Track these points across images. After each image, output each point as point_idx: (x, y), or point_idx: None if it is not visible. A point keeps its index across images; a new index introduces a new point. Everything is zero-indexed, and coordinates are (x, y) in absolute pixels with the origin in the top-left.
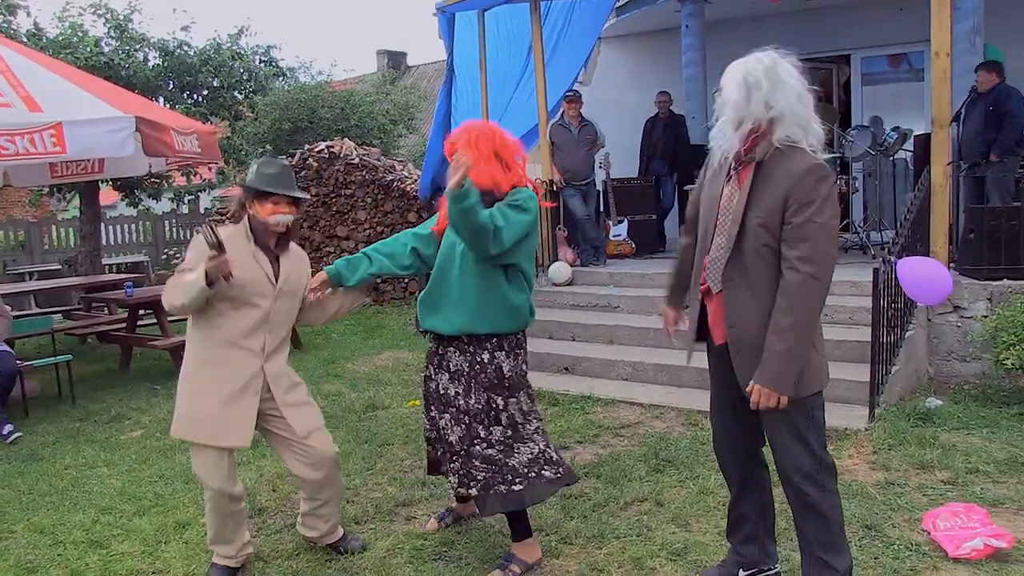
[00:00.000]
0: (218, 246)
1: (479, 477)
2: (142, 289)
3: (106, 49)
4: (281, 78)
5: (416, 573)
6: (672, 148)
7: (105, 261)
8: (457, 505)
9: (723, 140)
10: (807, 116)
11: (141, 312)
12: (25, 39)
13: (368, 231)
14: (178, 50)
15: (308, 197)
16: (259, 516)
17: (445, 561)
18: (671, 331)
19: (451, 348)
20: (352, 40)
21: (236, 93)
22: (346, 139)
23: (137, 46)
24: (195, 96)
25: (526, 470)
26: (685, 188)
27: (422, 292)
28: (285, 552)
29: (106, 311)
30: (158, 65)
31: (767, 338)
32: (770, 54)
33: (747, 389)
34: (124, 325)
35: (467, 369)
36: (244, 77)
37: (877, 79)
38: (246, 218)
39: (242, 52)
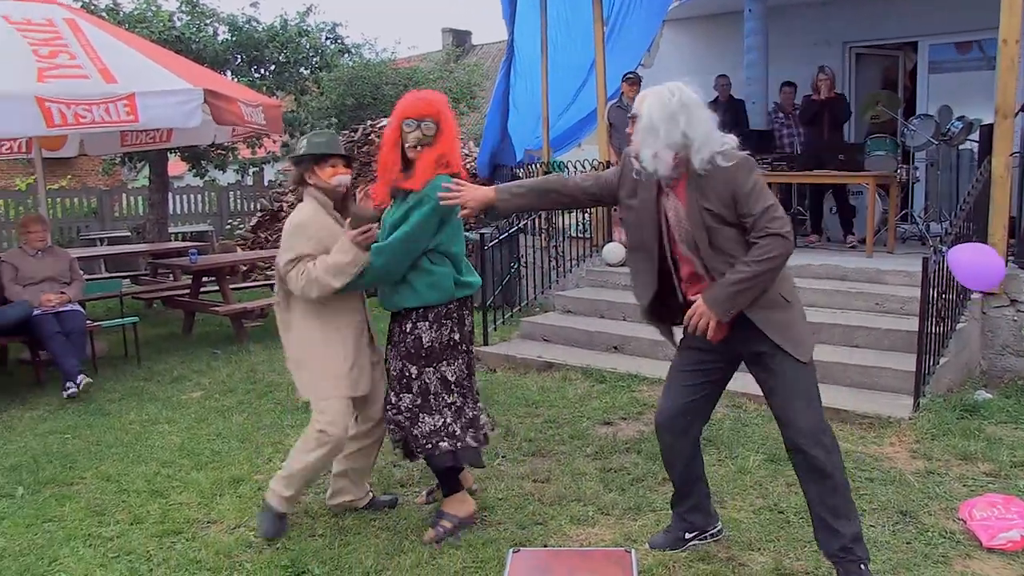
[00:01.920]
0: (376, 218)
1: (396, 439)
2: (206, 257)
3: (178, 24)
4: (346, 55)
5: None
6: (731, 133)
7: (171, 229)
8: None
9: (655, 165)
10: (715, 135)
11: (204, 279)
12: (104, 14)
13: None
14: (246, 25)
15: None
16: None
17: (485, 525)
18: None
19: (394, 324)
20: (417, 18)
21: (302, 69)
22: None
23: (207, 21)
24: (262, 71)
25: (424, 441)
26: None
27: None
28: (332, 510)
29: (171, 277)
30: (227, 40)
31: (725, 275)
32: (679, 85)
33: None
34: (188, 291)
35: (395, 339)
36: (310, 53)
37: (945, 67)
38: (311, 190)
39: (309, 29)
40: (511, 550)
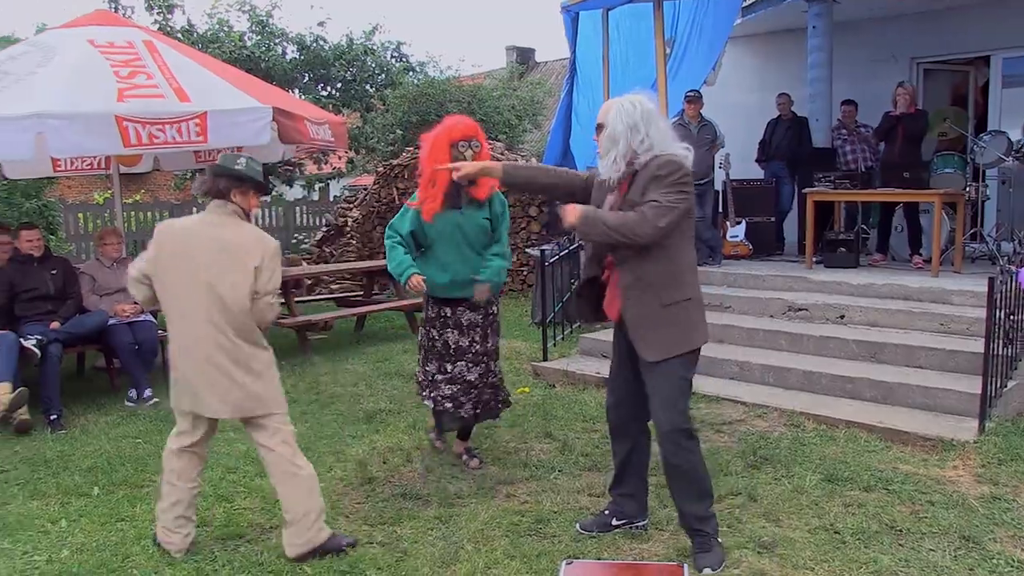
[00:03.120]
0: None
1: (485, 399)
2: None
3: (248, 43)
4: (411, 72)
5: (512, 546)
6: (793, 150)
7: None
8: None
9: (613, 169)
10: (670, 141)
11: None
12: (179, 35)
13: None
14: (314, 45)
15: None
16: (368, 485)
17: (539, 537)
18: None
19: (460, 308)
20: (482, 36)
21: (368, 86)
22: None
23: (276, 40)
24: (329, 88)
25: (505, 395)
26: (804, 191)
27: (430, 264)
28: (390, 519)
29: None
30: (295, 58)
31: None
32: (640, 97)
33: (643, 356)
34: None
35: (481, 321)
36: (376, 71)
37: (1021, 81)
38: (234, 207)
39: (375, 48)
40: (564, 561)
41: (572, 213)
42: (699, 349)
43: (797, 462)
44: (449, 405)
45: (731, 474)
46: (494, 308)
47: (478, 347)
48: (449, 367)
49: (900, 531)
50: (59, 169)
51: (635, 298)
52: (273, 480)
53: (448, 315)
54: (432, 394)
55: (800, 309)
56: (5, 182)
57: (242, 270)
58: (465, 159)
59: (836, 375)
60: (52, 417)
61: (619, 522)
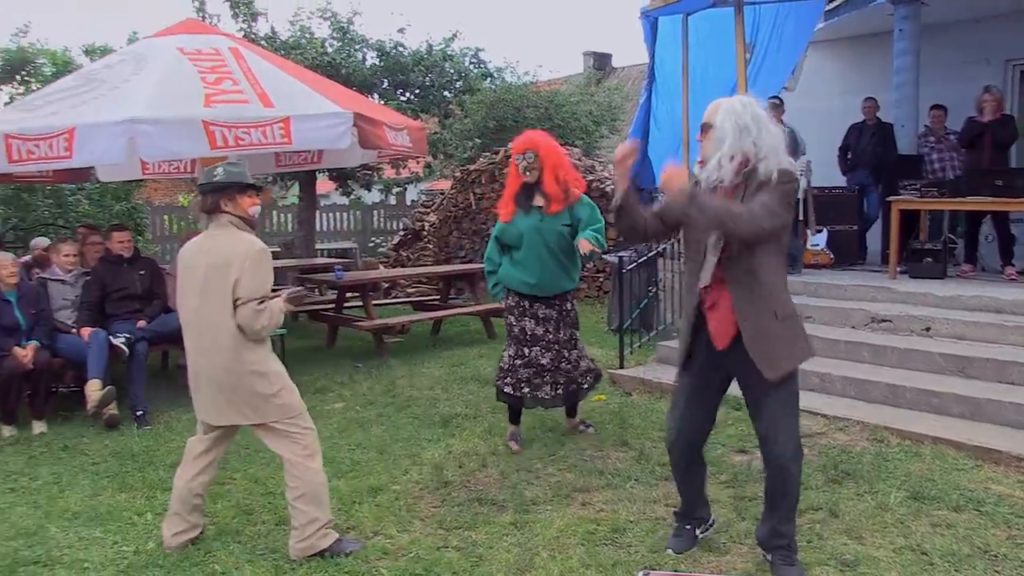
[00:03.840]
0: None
1: (560, 381)
2: (350, 273)
3: (329, 49)
4: (489, 78)
5: (587, 554)
6: (878, 157)
7: (317, 246)
8: (514, 427)
9: (719, 172)
10: (780, 148)
11: (348, 295)
12: (263, 42)
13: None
14: (394, 51)
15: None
16: (444, 489)
17: (615, 546)
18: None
19: (537, 303)
20: (559, 41)
21: (446, 92)
22: None
23: (357, 47)
24: (407, 94)
25: (581, 379)
26: (889, 199)
27: (516, 266)
28: (465, 523)
29: (316, 292)
30: (375, 64)
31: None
32: (750, 99)
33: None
34: (333, 306)
35: (555, 316)
36: (454, 77)
37: None
38: (229, 217)
39: (453, 54)
40: (641, 572)
41: (676, 185)
42: None
43: (880, 478)
44: (526, 389)
45: (811, 488)
46: (568, 305)
47: (551, 336)
48: (526, 351)
49: (995, 556)
50: (147, 172)
51: (752, 315)
52: (286, 482)
53: (526, 306)
54: (510, 380)
55: (883, 320)
56: (97, 185)
57: (227, 282)
58: (524, 168)
59: (921, 389)
60: (138, 413)
61: (702, 532)
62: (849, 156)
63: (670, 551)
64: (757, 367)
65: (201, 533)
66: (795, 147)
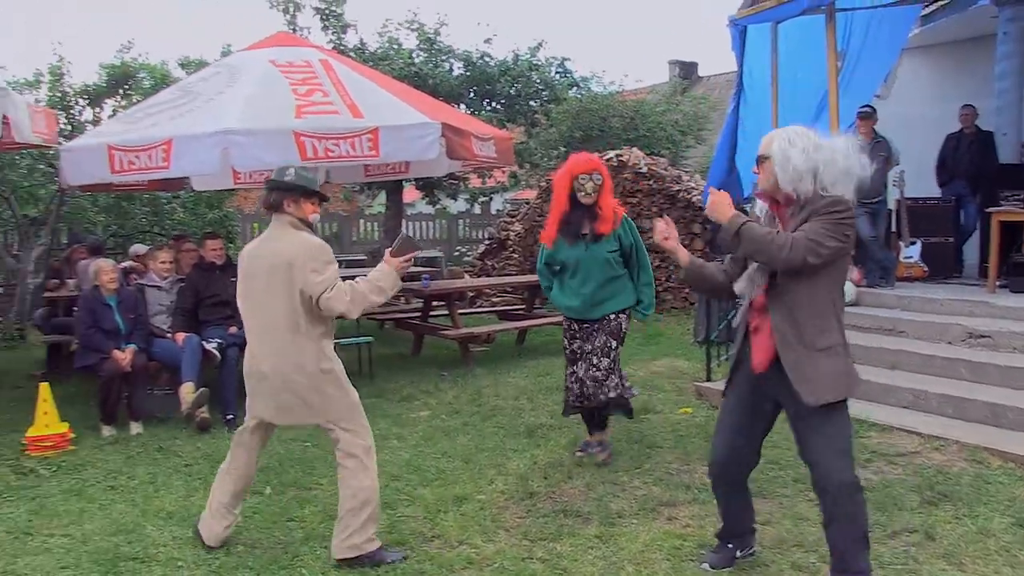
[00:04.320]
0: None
1: (588, 391)
2: (436, 282)
3: (417, 60)
4: (574, 88)
5: (673, 570)
6: (977, 167)
7: None
8: (592, 437)
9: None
10: (841, 179)
11: (434, 303)
12: (352, 53)
13: (652, 239)
14: (480, 61)
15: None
16: (529, 499)
17: (702, 562)
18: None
19: (586, 324)
20: (645, 50)
21: (532, 102)
22: (635, 148)
23: (444, 57)
24: (494, 104)
25: (608, 390)
26: (989, 210)
27: (564, 292)
28: (550, 535)
29: (402, 300)
30: (462, 74)
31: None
32: (806, 128)
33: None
34: (419, 314)
35: (598, 326)
36: (540, 87)
37: None
38: (287, 218)
39: (539, 63)
40: None
41: (725, 211)
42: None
43: (981, 502)
44: (577, 403)
45: (905, 509)
46: (611, 316)
47: (588, 346)
48: (576, 368)
49: None
50: (239, 181)
51: (791, 342)
52: (340, 482)
53: (576, 328)
54: (570, 398)
55: (982, 336)
56: (192, 194)
57: (292, 282)
58: (586, 190)
59: None
60: (228, 417)
61: (741, 553)
62: (946, 166)
63: (706, 565)
64: (796, 391)
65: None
66: (888, 157)
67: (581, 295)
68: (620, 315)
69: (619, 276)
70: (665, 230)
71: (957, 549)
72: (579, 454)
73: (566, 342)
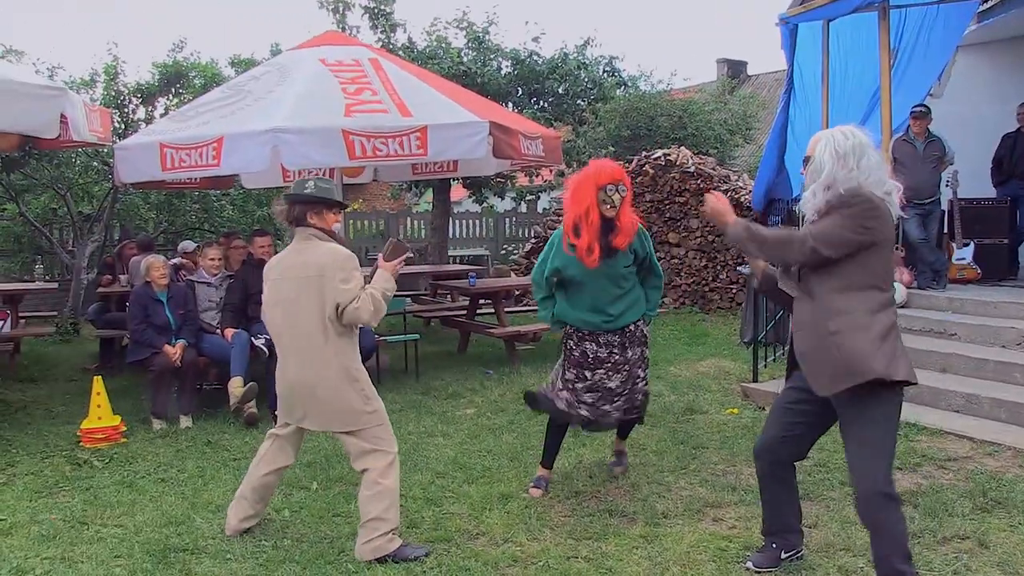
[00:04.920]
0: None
1: (636, 404)
2: (483, 280)
3: (465, 59)
4: (622, 87)
5: (719, 572)
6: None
7: (450, 252)
8: (545, 472)
9: (814, 201)
10: (883, 178)
11: (480, 301)
12: (401, 52)
13: (699, 239)
14: (528, 59)
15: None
16: (575, 498)
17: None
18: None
19: (598, 331)
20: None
21: (580, 100)
22: (682, 147)
23: (492, 56)
24: (541, 102)
25: (644, 398)
26: None
27: (576, 307)
28: (595, 534)
29: (448, 298)
30: (509, 73)
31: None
32: (852, 128)
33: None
34: (465, 312)
35: (618, 339)
36: (588, 85)
37: None
38: (312, 230)
39: (587, 62)
40: None
41: (728, 217)
42: (900, 386)
43: None
44: (584, 412)
45: (957, 515)
46: (631, 326)
47: (617, 356)
48: (588, 374)
49: None
50: (288, 179)
51: (806, 331)
52: (363, 483)
53: (585, 333)
54: (567, 396)
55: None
56: (241, 191)
57: (321, 293)
58: (612, 202)
59: None
60: (276, 412)
61: (787, 554)
62: (1002, 166)
63: (750, 564)
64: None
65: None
66: (942, 157)
67: (598, 312)
68: (638, 323)
69: (635, 289)
70: (715, 201)
71: (1012, 558)
72: (535, 492)
73: (573, 344)
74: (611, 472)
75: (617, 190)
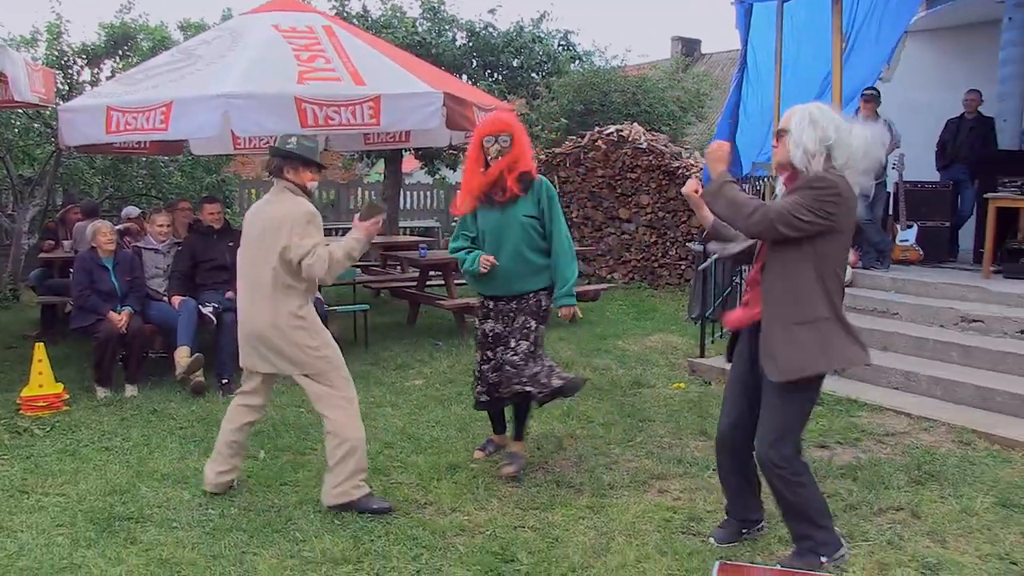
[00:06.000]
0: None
1: (505, 378)
2: (434, 252)
3: (420, 29)
4: (577, 61)
5: (663, 541)
6: (976, 152)
7: (401, 224)
8: (496, 437)
9: (808, 169)
10: (861, 157)
11: (430, 273)
12: (355, 20)
13: (650, 215)
14: (483, 31)
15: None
16: (523, 470)
17: (691, 535)
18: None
19: (502, 301)
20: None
21: (534, 74)
22: (635, 124)
23: (447, 26)
24: (496, 75)
25: (527, 380)
26: (986, 196)
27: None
28: (542, 504)
29: (399, 269)
30: (464, 44)
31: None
32: (825, 105)
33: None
34: (415, 283)
35: (515, 306)
36: (543, 59)
37: None
38: (287, 184)
39: (542, 36)
40: (718, 561)
41: (718, 165)
42: (824, 374)
43: (966, 482)
44: (485, 396)
45: (892, 488)
46: (531, 297)
47: (507, 330)
48: (490, 354)
49: None
50: (238, 147)
51: (768, 314)
52: (324, 432)
53: (490, 307)
54: (482, 388)
55: (975, 320)
56: (190, 158)
57: (277, 242)
58: (491, 154)
59: (1014, 393)
60: (224, 381)
61: (746, 531)
62: (946, 151)
63: (712, 540)
64: (761, 366)
65: (235, 480)
66: (889, 140)
67: (495, 272)
68: (540, 293)
69: (539, 250)
70: (694, 184)
71: (941, 527)
72: (478, 455)
73: (478, 323)
74: (501, 471)
75: (497, 140)
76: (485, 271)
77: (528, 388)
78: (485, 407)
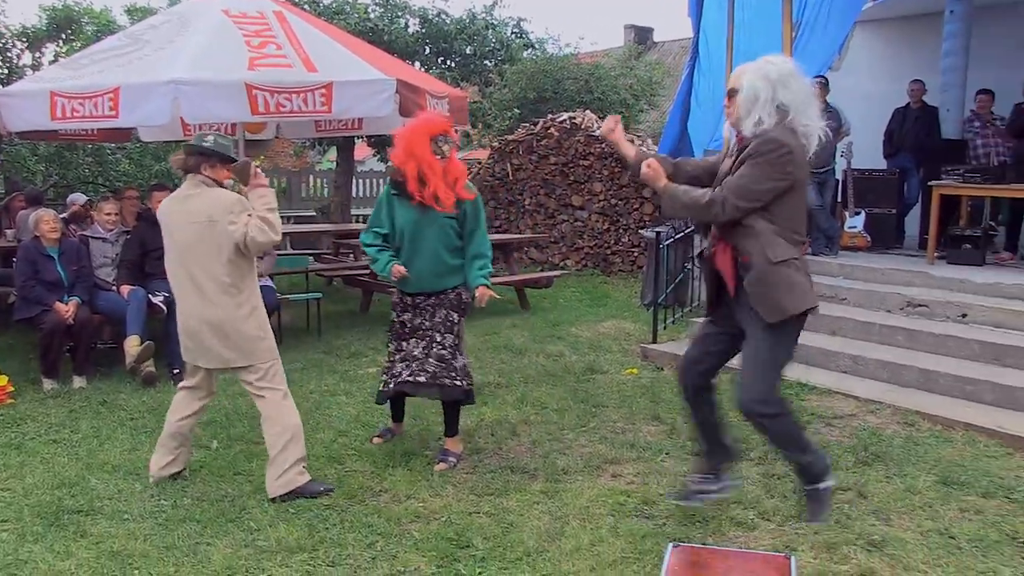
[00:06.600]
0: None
1: (430, 370)
2: None
3: (372, 15)
4: (530, 49)
5: (617, 525)
6: (921, 141)
7: (353, 211)
8: (393, 424)
9: (762, 127)
10: (812, 109)
11: None
12: (306, 6)
13: (603, 202)
14: (436, 18)
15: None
16: (476, 456)
17: (644, 518)
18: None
19: (420, 296)
20: (600, 14)
21: (487, 61)
22: (588, 111)
23: (400, 13)
24: (448, 62)
25: (456, 375)
26: (930, 184)
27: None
28: (496, 490)
29: (351, 257)
30: (417, 31)
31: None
32: (778, 56)
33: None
34: (368, 272)
35: (434, 300)
36: (496, 46)
37: None
38: (203, 178)
39: (495, 23)
40: (671, 544)
41: (658, 179)
42: (806, 314)
43: (910, 462)
44: (402, 377)
45: (840, 469)
46: (451, 293)
47: (427, 323)
48: (404, 344)
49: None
50: (188, 134)
51: (751, 254)
52: (262, 423)
53: (409, 302)
54: (386, 378)
55: (919, 305)
56: (138, 145)
57: (215, 235)
58: (443, 153)
59: (956, 376)
60: (175, 371)
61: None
62: (892, 139)
63: (667, 497)
64: (755, 309)
65: (184, 470)
66: (838, 128)
67: (414, 269)
68: (459, 287)
69: (456, 249)
70: (611, 123)
71: (886, 506)
72: (377, 441)
73: (395, 314)
74: (435, 466)
75: (447, 141)
76: (397, 280)
77: (458, 382)
78: (387, 398)
